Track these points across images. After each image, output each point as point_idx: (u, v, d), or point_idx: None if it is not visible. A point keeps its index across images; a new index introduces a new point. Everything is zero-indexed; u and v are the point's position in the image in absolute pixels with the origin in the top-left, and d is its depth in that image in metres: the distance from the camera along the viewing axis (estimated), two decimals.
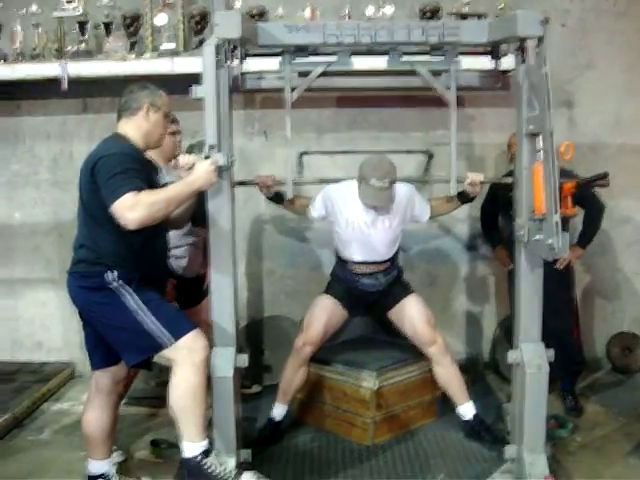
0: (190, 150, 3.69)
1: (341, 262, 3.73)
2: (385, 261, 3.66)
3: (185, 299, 3.73)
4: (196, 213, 3.27)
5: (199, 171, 2.85)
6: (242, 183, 3.49)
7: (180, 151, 3.65)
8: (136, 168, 2.80)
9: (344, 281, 3.74)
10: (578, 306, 4.32)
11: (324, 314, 3.68)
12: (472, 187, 3.49)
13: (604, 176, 3.55)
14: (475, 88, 3.72)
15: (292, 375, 3.69)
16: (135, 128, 2.99)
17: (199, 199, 3.12)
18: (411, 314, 3.68)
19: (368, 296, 3.76)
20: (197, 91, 2.92)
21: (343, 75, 3.58)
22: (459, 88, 3.41)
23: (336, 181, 3.69)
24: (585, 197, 3.79)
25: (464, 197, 3.56)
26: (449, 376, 3.66)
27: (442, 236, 4.81)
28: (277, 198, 3.62)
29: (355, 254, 3.62)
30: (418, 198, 3.69)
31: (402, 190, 3.60)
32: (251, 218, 4.77)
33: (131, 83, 3.12)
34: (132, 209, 2.66)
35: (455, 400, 3.69)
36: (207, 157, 2.87)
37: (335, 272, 3.83)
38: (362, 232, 3.56)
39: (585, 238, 4.08)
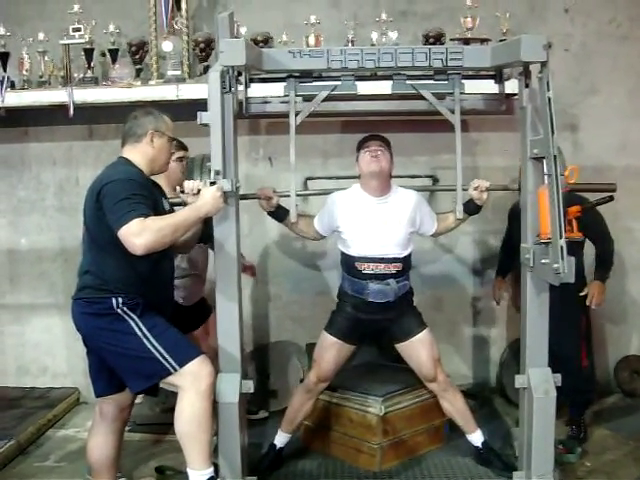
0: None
1: (348, 269, 3.53)
2: (396, 260, 3.47)
3: (184, 325, 3.69)
4: (202, 239, 3.27)
5: (206, 197, 2.85)
6: (245, 197, 3.40)
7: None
8: (142, 194, 2.81)
9: (351, 297, 3.53)
10: (591, 333, 4.12)
11: (333, 350, 3.56)
12: (478, 193, 3.43)
13: (609, 200, 3.55)
14: (479, 112, 3.72)
15: (300, 406, 3.64)
16: (140, 154, 3.00)
17: (205, 225, 3.13)
18: (419, 352, 3.56)
19: (376, 320, 3.55)
20: (203, 117, 2.94)
21: (348, 100, 3.59)
22: (463, 112, 3.42)
23: None
24: (597, 232, 3.82)
25: (470, 207, 3.48)
26: (454, 409, 3.62)
27: (449, 260, 4.80)
28: (279, 214, 3.51)
29: (364, 248, 3.44)
30: (426, 206, 3.61)
31: (411, 193, 3.57)
32: (257, 244, 4.76)
33: (137, 109, 3.14)
34: (139, 235, 2.67)
35: (464, 430, 3.67)
36: (212, 183, 2.87)
37: (342, 290, 3.62)
38: (371, 226, 3.44)
39: (602, 274, 3.98)
